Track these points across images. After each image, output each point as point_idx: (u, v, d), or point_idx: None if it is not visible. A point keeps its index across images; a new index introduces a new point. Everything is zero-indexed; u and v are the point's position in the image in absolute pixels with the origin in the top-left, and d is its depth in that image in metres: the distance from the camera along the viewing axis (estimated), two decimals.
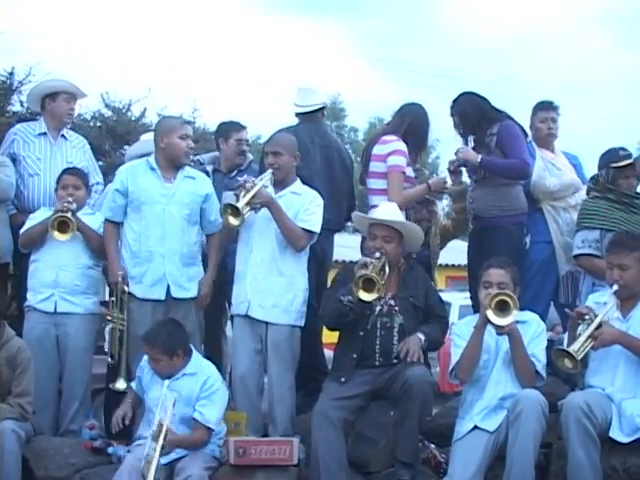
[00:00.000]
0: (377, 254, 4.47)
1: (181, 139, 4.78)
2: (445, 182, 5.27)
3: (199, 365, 4.44)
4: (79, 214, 4.89)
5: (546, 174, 5.40)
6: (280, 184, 4.79)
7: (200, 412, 4.25)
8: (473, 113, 5.19)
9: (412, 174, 5.24)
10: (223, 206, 4.62)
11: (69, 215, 4.74)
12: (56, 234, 4.71)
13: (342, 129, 32.31)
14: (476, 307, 4.96)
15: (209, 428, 4.27)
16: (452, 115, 5.29)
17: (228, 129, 5.86)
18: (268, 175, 4.69)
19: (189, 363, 4.40)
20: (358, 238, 5.36)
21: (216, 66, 47.17)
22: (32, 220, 4.94)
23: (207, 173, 5.47)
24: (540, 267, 5.28)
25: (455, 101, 5.28)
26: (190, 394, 4.26)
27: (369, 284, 4.26)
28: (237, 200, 4.54)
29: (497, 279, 4.24)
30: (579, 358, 3.85)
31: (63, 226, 4.73)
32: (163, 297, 4.66)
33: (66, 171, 5.08)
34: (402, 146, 5.16)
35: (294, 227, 4.65)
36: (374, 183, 5.24)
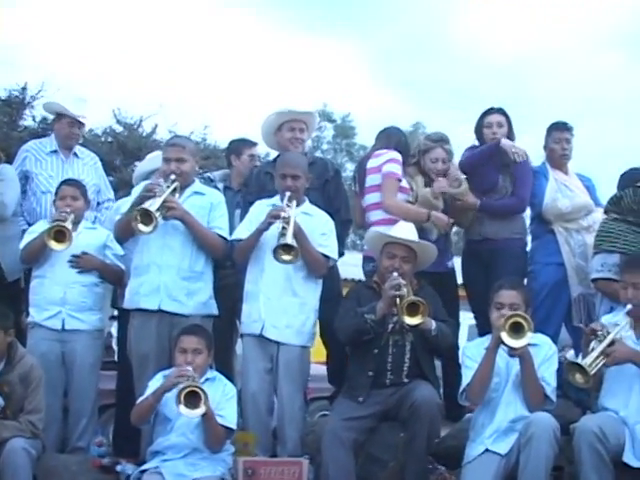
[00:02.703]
0: (395, 274, 4.51)
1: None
2: (448, 223, 5.29)
3: (215, 372, 4.53)
4: (80, 227, 4.96)
5: (559, 196, 5.45)
6: (297, 204, 4.80)
7: (221, 415, 4.26)
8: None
9: (407, 184, 5.29)
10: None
11: (66, 224, 4.76)
12: (52, 244, 4.72)
13: (352, 147, 32.43)
14: (481, 328, 5.04)
15: (229, 429, 4.29)
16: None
17: (240, 145, 5.91)
18: (292, 199, 4.70)
19: (209, 369, 4.48)
20: (358, 255, 5.45)
21: (228, 83, 47.33)
22: (30, 234, 4.97)
23: (219, 190, 5.48)
24: (552, 289, 5.30)
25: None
26: (212, 398, 4.23)
27: (412, 308, 4.30)
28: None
29: (509, 300, 4.24)
30: (591, 373, 3.84)
31: (60, 235, 4.74)
32: (156, 307, 4.66)
33: (64, 182, 5.13)
34: (397, 155, 5.28)
35: (317, 254, 4.68)
36: (372, 198, 5.31)
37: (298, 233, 4.53)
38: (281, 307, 4.67)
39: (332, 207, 5.15)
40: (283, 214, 4.52)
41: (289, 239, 4.42)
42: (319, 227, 4.77)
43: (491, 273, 5.06)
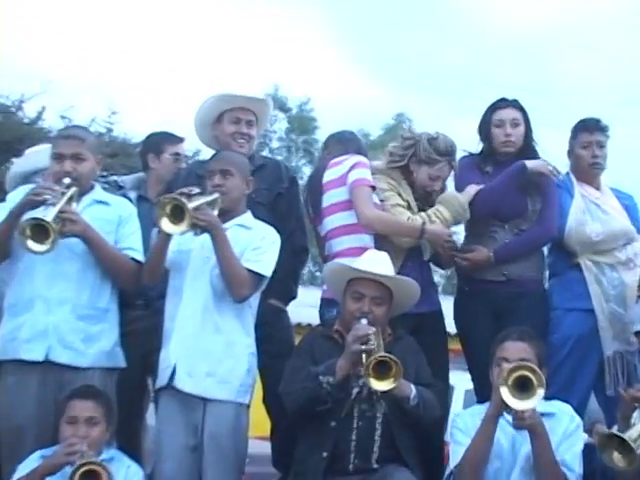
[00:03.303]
0: (363, 320, 4.59)
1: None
2: (451, 241, 5.43)
3: (115, 451, 4.59)
4: None
5: (587, 218, 5.53)
6: (225, 214, 4.85)
7: None
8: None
9: (376, 199, 5.37)
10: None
11: None
12: None
13: (312, 145, 32.41)
14: (481, 395, 5.11)
15: None
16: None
17: (161, 141, 6.01)
18: (214, 196, 4.80)
19: (105, 447, 4.54)
20: (317, 293, 5.53)
21: (146, 56, 47.31)
22: None
23: (130, 200, 5.57)
24: (576, 345, 5.37)
25: None
26: None
27: (383, 368, 4.35)
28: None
29: (517, 355, 4.34)
30: (639, 451, 3.87)
31: None
32: (41, 358, 4.70)
33: None
34: (363, 159, 5.40)
35: (238, 267, 4.73)
36: (335, 220, 5.41)
37: (215, 231, 4.63)
38: (199, 348, 4.73)
39: (284, 230, 5.21)
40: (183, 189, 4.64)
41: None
42: (255, 241, 4.87)
43: (505, 324, 5.08)
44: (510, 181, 5.43)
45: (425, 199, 5.45)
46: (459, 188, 5.52)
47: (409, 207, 5.37)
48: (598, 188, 5.70)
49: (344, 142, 5.73)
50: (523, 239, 5.48)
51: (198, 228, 4.63)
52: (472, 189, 5.45)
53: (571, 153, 5.73)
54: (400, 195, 5.38)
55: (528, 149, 5.61)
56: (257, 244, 4.85)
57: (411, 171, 5.42)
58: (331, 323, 4.97)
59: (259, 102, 5.71)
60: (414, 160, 5.39)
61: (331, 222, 5.43)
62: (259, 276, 4.80)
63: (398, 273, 5.05)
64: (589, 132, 5.65)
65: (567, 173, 5.72)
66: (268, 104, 5.87)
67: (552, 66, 46.79)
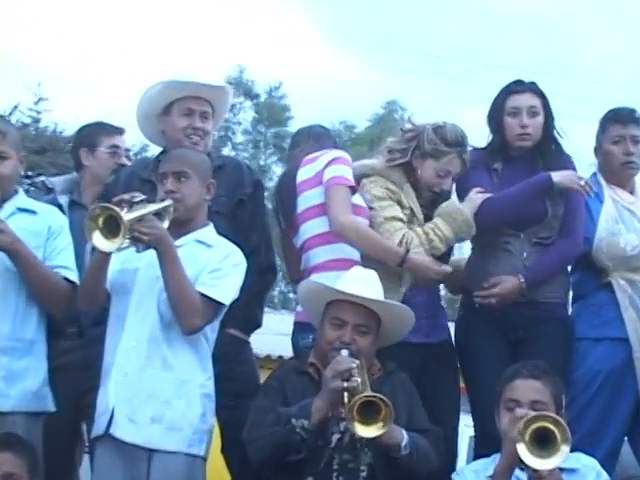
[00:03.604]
0: (344, 352, 4.60)
1: None
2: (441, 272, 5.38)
3: None
4: None
5: (620, 228, 5.56)
6: (180, 227, 4.84)
7: None
8: None
9: (362, 202, 5.40)
10: None
11: None
12: None
13: (284, 139, 32.39)
14: (482, 444, 5.16)
15: None
16: None
17: (95, 133, 6.06)
18: (165, 203, 4.78)
19: None
20: (290, 319, 5.56)
21: (82, 30, 47.24)
22: None
23: (60, 207, 5.59)
24: (607, 381, 5.38)
25: None
26: None
27: (369, 410, 4.35)
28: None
29: (529, 396, 4.37)
30: None
31: None
32: None
33: None
34: (343, 154, 5.47)
35: (190, 292, 4.68)
36: (312, 227, 5.44)
37: (164, 247, 4.60)
38: (143, 387, 4.68)
39: (246, 244, 5.21)
40: (126, 196, 4.60)
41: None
42: (214, 262, 4.84)
43: (523, 355, 5.12)
44: (529, 196, 5.43)
45: (433, 204, 5.47)
46: (461, 190, 5.54)
47: (413, 215, 5.39)
48: (632, 192, 5.72)
49: (316, 137, 5.84)
50: (553, 256, 5.48)
51: (141, 243, 4.60)
52: (477, 197, 5.43)
53: (599, 150, 5.75)
54: (400, 203, 5.39)
55: (548, 143, 5.60)
56: (216, 265, 4.82)
57: (415, 168, 5.44)
58: (306, 355, 4.95)
59: (216, 90, 5.72)
60: (417, 154, 5.43)
61: (307, 230, 5.46)
62: (216, 303, 4.76)
63: (404, 296, 5.13)
64: (621, 124, 5.67)
65: (594, 174, 5.74)
66: (227, 92, 5.88)
67: (572, 45, 46.99)
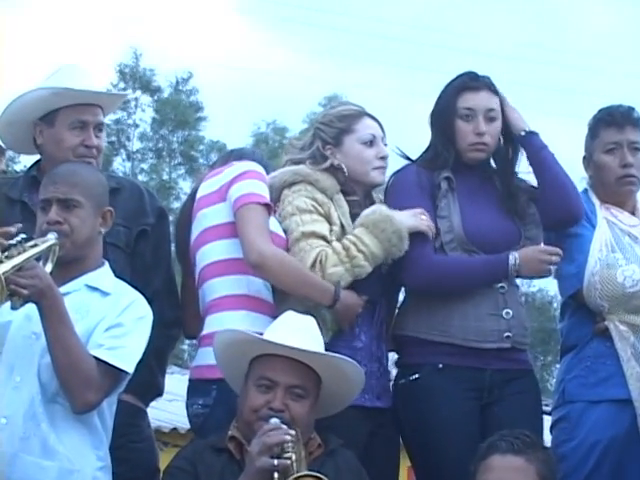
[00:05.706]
0: (274, 420, 4.26)
1: None
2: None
3: None
4: None
5: (618, 258, 5.17)
6: (68, 268, 4.39)
7: None
8: None
9: (277, 229, 4.98)
10: None
11: None
12: None
13: (193, 147, 31.69)
14: None
15: None
16: None
17: None
18: (49, 242, 4.31)
19: None
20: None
21: None
22: None
23: None
24: (607, 453, 5.02)
25: None
26: None
27: None
28: None
29: (510, 477, 4.29)
30: None
31: None
32: None
33: None
34: (255, 167, 5.08)
35: (82, 357, 4.24)
36: (209, 252, 4.99)
37: (48, 299, 4.15)
38: (19, 477, 4.27)
39: (147, 288, 4.80)
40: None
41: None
42: (112, 315, 4.39)
43: (493, 422, 4.84)
44: (485, 279, 5.06)
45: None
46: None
47: (343, 232, 4.96)
48: (633, 212, 5.36)
49: (239, 155, 5.46)
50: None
51: (18, 298, 4.12)
52: (421, 223, 4.98)
53: (590, 161, 5.37)
54: (329, 218, 4.97)
55: (504, 152, 5.28)
56: (115, 320, 4.37)
57: (337, 168, 5.04)
58: (221, 428, 4.58)
59: (115, 97, 5.62)
60: (328, 143, 5.10)
61: (204, 256, 5.01)
62: (116, 371, 4.31)
63: (331, 343, 4.73)
64: (616, 128, 5.26)
65: (584, 191, 5.37)
66: (120, 99, 5.93)
67: (561, 26, 46.95)
